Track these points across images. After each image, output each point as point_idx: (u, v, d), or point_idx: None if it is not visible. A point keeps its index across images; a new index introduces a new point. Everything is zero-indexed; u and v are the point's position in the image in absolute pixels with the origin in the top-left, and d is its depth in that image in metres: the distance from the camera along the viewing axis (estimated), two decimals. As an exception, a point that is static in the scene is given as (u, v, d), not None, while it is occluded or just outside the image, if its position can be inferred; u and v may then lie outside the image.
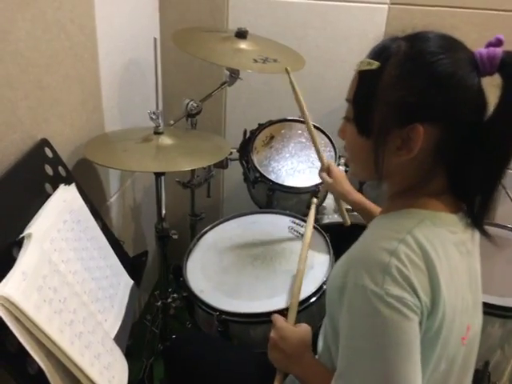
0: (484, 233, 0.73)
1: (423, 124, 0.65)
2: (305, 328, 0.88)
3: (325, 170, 1.23)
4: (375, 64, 0.68)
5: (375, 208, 1.12)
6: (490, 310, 1.13)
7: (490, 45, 0.67)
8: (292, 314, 0.96)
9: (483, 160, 0.68)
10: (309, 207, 1.46)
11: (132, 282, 1.09)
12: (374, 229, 0.74)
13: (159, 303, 1.40)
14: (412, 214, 0.70)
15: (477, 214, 0.71)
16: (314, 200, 1.31)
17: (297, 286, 1.03)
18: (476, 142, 0.67)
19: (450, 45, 0.68)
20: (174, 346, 1.13)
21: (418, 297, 0.62)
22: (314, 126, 1.56)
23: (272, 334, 0.87)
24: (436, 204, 0.71)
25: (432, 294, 0.64)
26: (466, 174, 0.70)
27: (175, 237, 1.30)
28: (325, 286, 1.12)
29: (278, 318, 0.90)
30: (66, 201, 0.92)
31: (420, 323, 0.63)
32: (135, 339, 1.28)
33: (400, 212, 0.72)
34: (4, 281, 0.64)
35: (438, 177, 0.71)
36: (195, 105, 1.40)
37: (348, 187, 1.19)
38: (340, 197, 1.23)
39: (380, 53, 0.69)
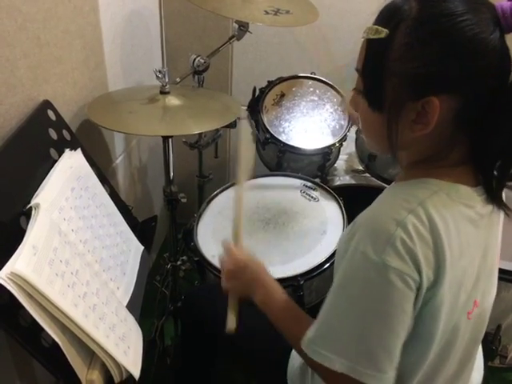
0: (501, 207, 0.69)
1: (439, 96, 0.59)
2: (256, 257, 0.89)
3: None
4: (383, 32, 0.60)
5: None
6: (504, 275, 1.13)
7: None
8: (239, 241, 0.92)
9: (507, 126, 0.62)
10: (320, 170, 1.43)
11: (142, 247, 1.07)
12: (386, 196, 0.70)
13: (169, 266, 1.39)
14: (427, 185, 0.66)
15: (495, 186, 0.67)
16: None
17: (237, 209, 0.96)
18: (500, 107, 0.61)
19: (470, 2, 0.58)
20: (189, 301, 1.15)
21: (418, 271, 0.60)
22: (326, 83, 1.50)
23: (228, 265, 0.87)
24: (455, 175, 0.66)
25: (436, 267, 0.62)
26: (488, 142, 0.64)
27: (184, 200, 1.27)
28: (338, 252, 1.10)
29: (229, 247, 0.89)
30: (72, 167, 0.88)
31: (416, 297, 0.62)
32: (145, 300, 1.29)
33: (415, 181, 0.68)
34: (14, 256, 0.62)
35: (458, 146, 0.65)
36: (202, 61, 1.32)
37: None
38: None
39: (389, 17, 0.61)
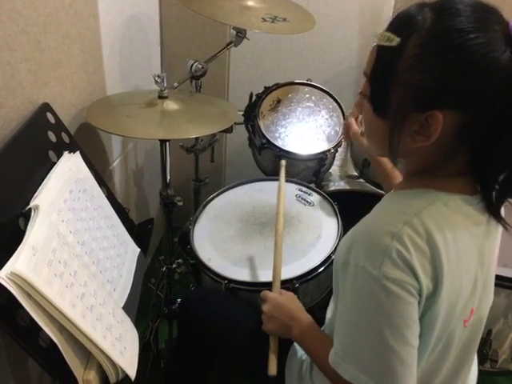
0: (499, 221, 0.69)
1: (443, 111, 0.59)
2: (291, 293, 0.94)
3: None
4: (395, 40, 0.60)
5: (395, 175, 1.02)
6: (496, 280, 1.14)
7: None
8: (276, 286, 0.97)
9: (510, 141, 0.62)
10: (315, 175, 1.45)
11: (139, 250, 1.08)
12: (383, 206, 0.71)
13: (164, 268, 1.40)
14: (424, 195, 0.66)
15: (496, 197, 0.67)
16: (283, 162, 1.22)
17: (277, 259, 1.00)
18: (505, 124, 0.60)
19: (483, 20, 0.58)
20: (185, 304, 1.16)
21: (417, 279, 0.61)
22: (322, 90, 1.52)
23: (265, 307, 0.90)
24: (453, 185, 0.66)
25: (434, 277, 0.62)
26: (491, 156, 0.64)
27: (180, 203, 1.28)
28: (333, 256, 1.11)
29: (265, 292, 0.93)
30: (71, 170, 0.89)
31: (419, 303, 0.62)
32: (140, 302, 1.31)
33: (413, 191, 0.68)
34: (14, 256, 0.63)
35: (458, 157, 0.65)
36: (200, 66, 1.34)
37: None
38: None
39: (402, 26, 0.61)
